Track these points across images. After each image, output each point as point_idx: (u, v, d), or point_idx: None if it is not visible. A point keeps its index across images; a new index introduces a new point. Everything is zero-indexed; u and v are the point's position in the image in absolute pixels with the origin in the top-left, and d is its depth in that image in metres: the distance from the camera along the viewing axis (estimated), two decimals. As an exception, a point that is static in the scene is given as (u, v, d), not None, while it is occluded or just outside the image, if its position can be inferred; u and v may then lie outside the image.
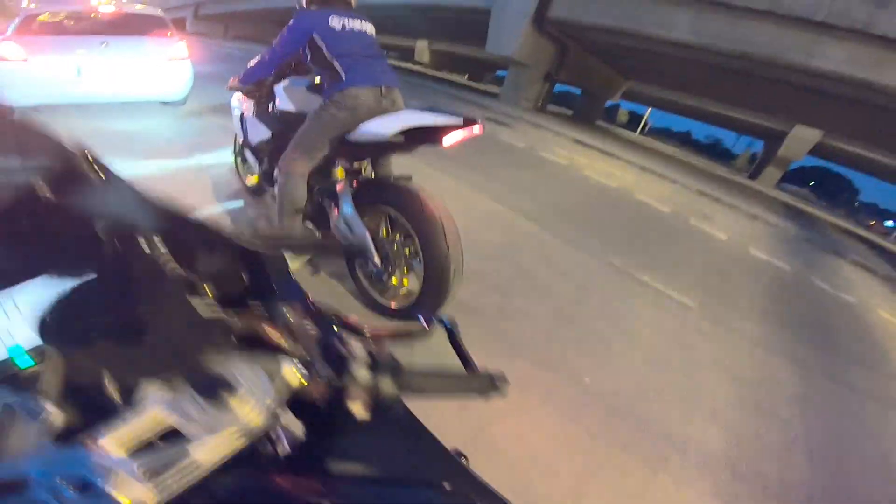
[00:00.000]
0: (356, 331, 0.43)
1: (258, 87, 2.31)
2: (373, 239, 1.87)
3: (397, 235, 1.88)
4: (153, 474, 0.29)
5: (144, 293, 0.44)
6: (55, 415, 0.34)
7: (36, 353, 0.40)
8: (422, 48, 41.69)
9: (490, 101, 16.37)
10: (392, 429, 0.41)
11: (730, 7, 11.14)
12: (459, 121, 1.65)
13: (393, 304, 1.93)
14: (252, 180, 2.71)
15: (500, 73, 22.70)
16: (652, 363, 2.24)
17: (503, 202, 4.19)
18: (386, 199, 1.85)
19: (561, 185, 5.93)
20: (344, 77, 1.88)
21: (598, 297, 2.82)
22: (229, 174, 2.99)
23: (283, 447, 0.37)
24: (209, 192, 2.87)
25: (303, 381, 0.38)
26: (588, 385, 1.94)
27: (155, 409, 0.33)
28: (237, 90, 2.31)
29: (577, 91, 26.44)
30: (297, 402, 0.37)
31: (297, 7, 2.04)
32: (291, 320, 0.42)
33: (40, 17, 4.87)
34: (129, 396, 0.35)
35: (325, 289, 2.16)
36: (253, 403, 0.34)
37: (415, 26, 25.18)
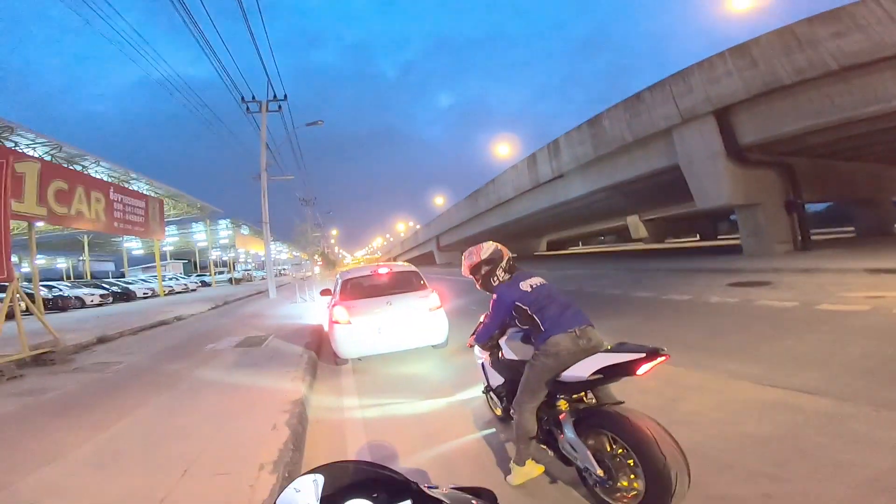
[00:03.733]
0: None
1: (490, 341, 3.07)
2: (597, 454, 2.14)
3: (619, 450, 2.09)
4: None
5: None
6: None
7: None
8: (634, 223, 39.87)
9: (733, 258, 14.34)
10: None
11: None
12: (643, 354, 1.99)
13: None
14: (499, 412, 3.33)
15: (733, 216, 20.50)
16: None
17: (773, 383, 3.65)
18: (601, 423, 2.15)
19: (863, 339, 4.63)
20: (543, 328, 2.40)
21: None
22: (483, 406, 3.68)
23: None
24: (470, 422, 3.58)
25: None
26: None
27: None
28: (476, 346, 3.14)
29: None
30: None
31: (494, 282, 2.68)
32: None
33: (350, 279, 6.50)
34: None
35: (559, 493, 2.46)
36: None
37: (617, 205, 24.45)
